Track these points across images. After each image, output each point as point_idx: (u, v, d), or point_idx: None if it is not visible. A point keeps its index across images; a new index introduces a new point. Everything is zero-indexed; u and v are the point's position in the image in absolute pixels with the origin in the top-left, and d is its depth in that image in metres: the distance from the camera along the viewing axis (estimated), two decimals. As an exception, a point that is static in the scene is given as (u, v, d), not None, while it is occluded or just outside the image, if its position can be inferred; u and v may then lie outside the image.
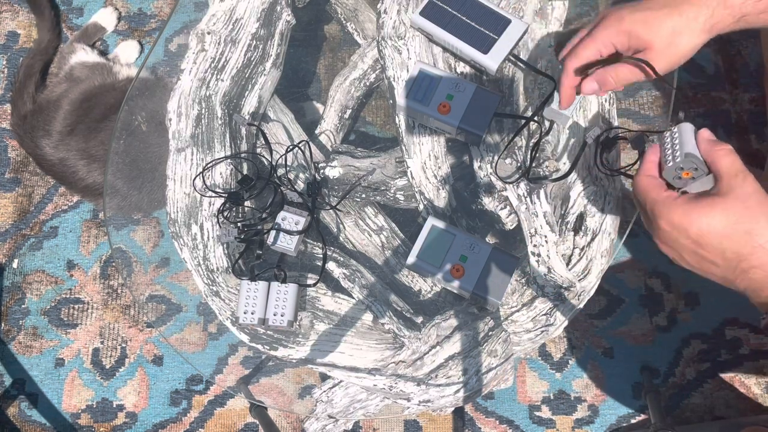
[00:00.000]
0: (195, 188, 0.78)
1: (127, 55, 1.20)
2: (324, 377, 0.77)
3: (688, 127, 0.59)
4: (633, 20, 0.62)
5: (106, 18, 1.22)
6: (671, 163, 0.57)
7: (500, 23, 0.77)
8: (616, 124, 0.77)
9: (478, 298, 0.72)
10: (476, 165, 0.76)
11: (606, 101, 0.77)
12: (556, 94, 0.75)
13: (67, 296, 1.12)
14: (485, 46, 0.76)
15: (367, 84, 0.87)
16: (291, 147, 0.79)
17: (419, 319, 0.74)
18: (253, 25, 0.82)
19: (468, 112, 0.74)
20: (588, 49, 0.64)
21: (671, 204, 0.54)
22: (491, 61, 0.75)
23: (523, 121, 0.75)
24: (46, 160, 1.04)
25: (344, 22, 0.92)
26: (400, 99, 0.75)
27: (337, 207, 0.78)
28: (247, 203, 0.78)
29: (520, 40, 0.76)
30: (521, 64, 0.78)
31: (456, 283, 0.71)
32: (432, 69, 0.76)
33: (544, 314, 0.73)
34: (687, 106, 1.12)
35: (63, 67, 1.15)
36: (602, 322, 1.05)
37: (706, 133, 0.58)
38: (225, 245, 0.77)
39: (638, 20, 0.62)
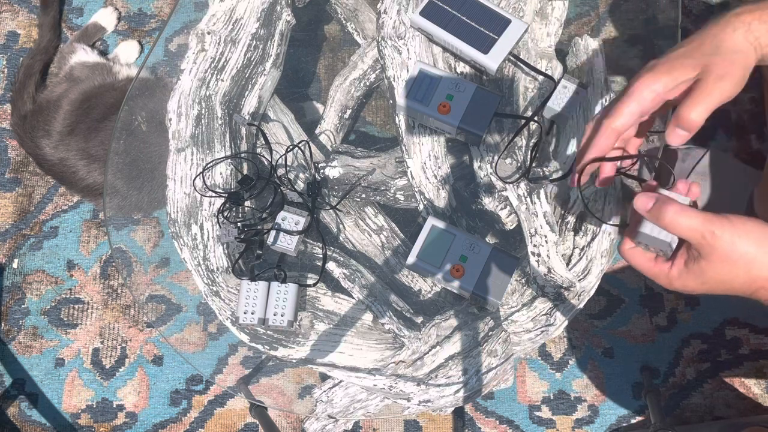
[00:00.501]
0: (195, 188, 0.78)
1: (127, 55, 1.20)
2: (324, 377, 0.77)
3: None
4: (677, 55, 0.55)
5: (106, 18, 1.22)
6: (636, 240, 0.56)
7: (500, 23, 0.77)
8: (616, 124, 0.77)
9: (478, 298, 0.72)
10: (476, 165, 0.76)
11: (606, 101, 0.77)
12: (555, 94, 0.75)
13: (67, 296, 1.12)
14: (485, 46, 0.76)
15: (367, 84, 0.87)
16: (291, 147, 0.79)
17: (419, 319, 0.74)
18: (253, 25, 0.82)
19: (468, 112, 0.74)
20: (628, 105, 0.56)
21: (667, 277, 0.55)
22: (491, 61, 0.75)
23: (523, 121, 0.75)
24: (46, 160, 1.04)
25: (344, 22, 0.92)
26: (400, 99, 0.75)
27: (337, 207, 0.78)
28: (247, 203, 0.78)
29: (520, 40, 0.76)
30: (521, 65, 0.78)
31: (456, 283, 0.71)
32: (432, 69, 0.76)
33: (544, 314, 0.73)
34: (687, 106, 1.12)
35: (63, 67, 1.15)
36: (602, 322, 1.05)
37: (641, 202, 0.53)
38: (225, 245, 0.77)
39: (683, 52, 0.55)
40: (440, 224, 0.73)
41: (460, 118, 0.73)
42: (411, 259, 0.73)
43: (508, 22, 0.77)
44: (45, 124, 1.05)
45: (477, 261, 0.72)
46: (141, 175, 0.96)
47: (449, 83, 0.75)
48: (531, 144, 0.76)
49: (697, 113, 0.54)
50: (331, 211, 0.79)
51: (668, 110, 0.60)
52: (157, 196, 0.97)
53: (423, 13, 0.78)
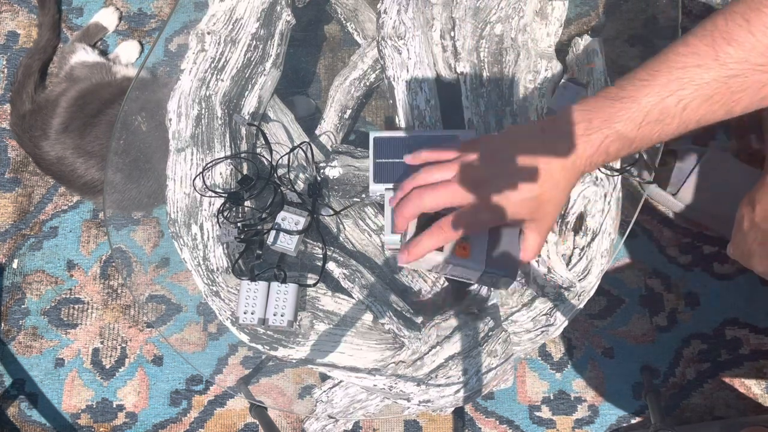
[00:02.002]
0: (195, 188, 0.78)
1: (127, 55, 1.20)
2: (324, 377, 0.77)
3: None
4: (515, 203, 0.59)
5: (107, 18, 1.22)
6: None
7: (451, 144, 0.68)
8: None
9: (491, 276, 0.65)
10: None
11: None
12: (556, 94, 0.75)
13: (67, 296, 1.12)
14: None
15: (367, 84, 0.87)
16: (292, 149, 0.79)
17: (419, 319, 0.74)
18: (253, 25, 0.82)
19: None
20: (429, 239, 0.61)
21: None
22: None
23: None
24: (44, 160, 1.04)
25: (344, 22, 0.92)
26: (386, 237, 0.69)
27: (338, 210, 0.78)
28: (247, 203, 0.78)
29: None
30: None
31: (463, 265, 0.63)
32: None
33: (544, 314, 0.73)
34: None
35: (63, 67, 1.15)
36: (602, 322, 1.05)
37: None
38: (225, 245, 0.77)
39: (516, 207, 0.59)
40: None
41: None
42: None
43: (456, 138, 0.72)
44: (43, 123, 1.05)
45: (480, 235, 0.64)
46: (139, 167, 0.95)
47: None
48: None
49: (533, 253, 0.62)
50: (330, 211, 0.79)
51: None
52: (156, 192, 0.96)
53: (377, 179, 0.73)
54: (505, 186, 0.58)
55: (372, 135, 0.76)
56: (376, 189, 0.74)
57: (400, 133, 0.76)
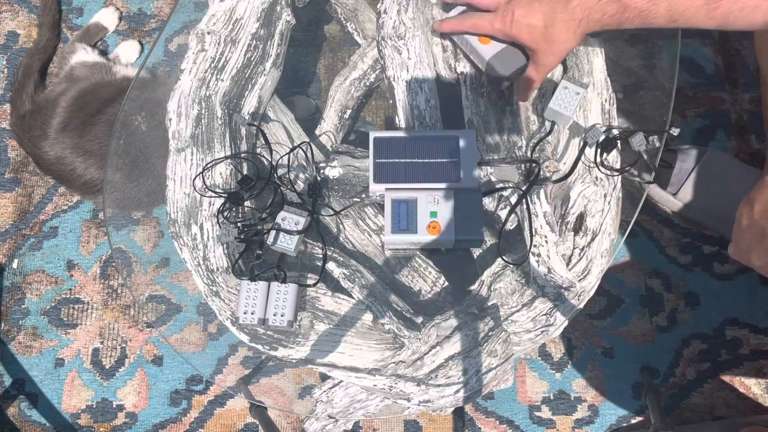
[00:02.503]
0: (195, 188, 0.78)
1: (127, 55, 1.20)
2: (324, 377, 0.77)
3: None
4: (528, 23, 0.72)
5: (107, 18, 1.22)
6: None
7: (451, 144, 0.75)
8: (616, 124, 0.77)
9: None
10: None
11: (606, 101, 0.78)
12: (556, 94, 0.75)
13: (67, 296, 1.12)
14: (454, 175, 0.74)
15: (367, 84, 0.87)
16: (292, 149, 0.79)
17: (419, 319, 0.74)
18: (253, 25, 0.82)
19: (459, 221, 0.72)
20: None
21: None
22: (469, 182, 0.74)
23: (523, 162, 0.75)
24: (44, 160, 1.04)
25: (344, 22, 0.92)
26: (387, 237, 0.73)
27: (338, 210, 0.78)
28: (247, 203, 0.78)
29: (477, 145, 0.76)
30: (497, 163, 0.76)
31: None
32: (401, 192, 0.74)
33: (544, 314, 0.73)
34: (687, 106, 1.12)
35: (64, 67, 1.15)
36: (602, 322, 1.05)
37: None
38: (225, 245, 0.77)
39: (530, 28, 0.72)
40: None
41: (455, 232, 0.72)
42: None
43: (456, 138, 0.75)
44: (42, 123, 1.05)
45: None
46: (139, 167, 0.95)
47: (426, 199, 0.73)
48: (531, 145, 0.76)
49: (533, 84, 0.76)
50: (331, 211, 0.79)
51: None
52: (156, 191, 0.96)
53: (377, 179, 0.75)
54: (520, 13, 0.72)
55: (372, 135, 0.76)
56: (376, 189, 0.75)
57: (400, 133, 0.76)
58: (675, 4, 0.64)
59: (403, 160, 0.75)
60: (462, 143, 0.74)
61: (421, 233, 0.73)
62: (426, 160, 0.75)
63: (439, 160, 0.74)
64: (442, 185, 0.74)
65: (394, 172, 0.75)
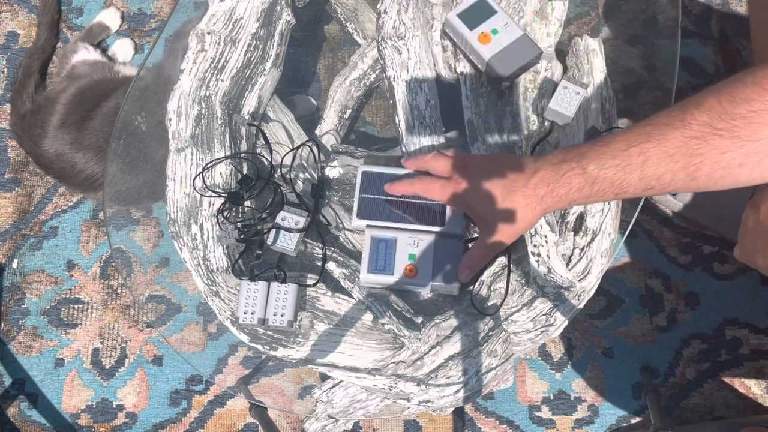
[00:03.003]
0: (195, 188, 0.78)
1: (123, 53, 1.21)
2: (324, 377, 0.77)
3: None
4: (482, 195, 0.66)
5: (110, 18, 1.22)
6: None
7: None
8: (616, 124, 0.77)
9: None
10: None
11: (606, 101, 0.77)
12: (556, 94, 0.75)
13: (67, 296, 1.12)
14: (439, 219, 0.74)
15: (367, 84, 0.87)
16: (297, 146, 0.79)
17: (419, 319, 0.74)
18: (253, 25, 0.82)
19: (436, 266, 0.72)
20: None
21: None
22: (454, 227, 0.73)
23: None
24: (44, 158, 1.04)
25: (344, 22, 0.92)
26: (362, 275, 0.72)
27: (338, 210, 0.78)
28: (247, 203, 0.78)
29: None
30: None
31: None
32: (383, 231, 0.73)
33: (544, 314, 0.73)
34: (687, 106, 1.12)
35: (65, 66, 1.15)
36: (602, 322, 1.05)
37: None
38: (225, 245, 0.77)
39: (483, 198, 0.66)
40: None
41: (431, 277, 0.71)
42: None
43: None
44: (42, 121, 1.05)
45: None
46: (139, 167, 0.95)
47: (406, 240, 0.73)
48: (531, 145, 0.76)
49: (477, 264, 0.72)
50: (331, 211, 0.79)
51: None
52: (155, 190, 0.96)
53: (360, 215, 0.74)
54: (475, 182, 0.67)
55: (361, 169, 0.76)
56: (358, 225, 0.75)
57: (390, 170, 0.75)
58: (649, 170, 0.58)
59: (388, 197, 0.74)
60: None
61: (397, 275, 0.72)
62: (412, 200, 0.74)
63: (425, 202, 0.74)
64: (425, 228, 0.73)
65: (379, 210, 0.74)
